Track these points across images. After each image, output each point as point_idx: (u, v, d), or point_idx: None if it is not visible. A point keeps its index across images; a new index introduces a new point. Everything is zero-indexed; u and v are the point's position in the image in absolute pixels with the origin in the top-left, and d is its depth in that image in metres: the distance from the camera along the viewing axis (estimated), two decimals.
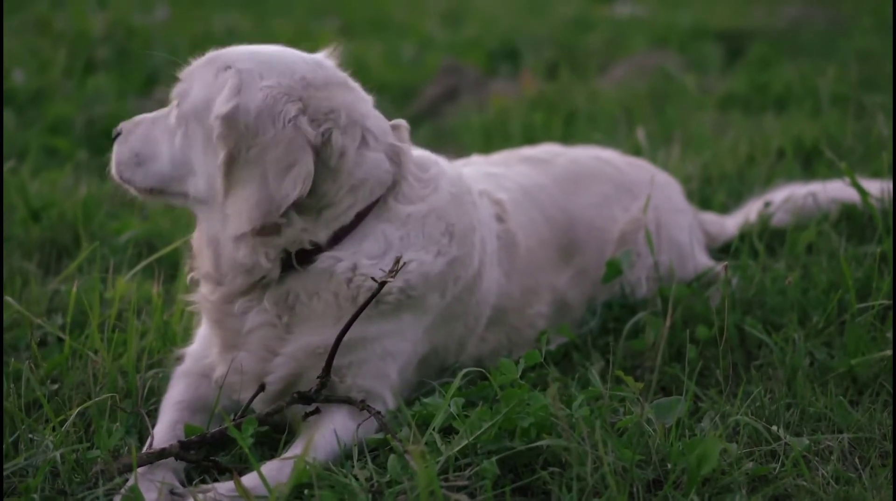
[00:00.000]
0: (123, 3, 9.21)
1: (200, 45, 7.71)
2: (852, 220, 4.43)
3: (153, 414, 3.33)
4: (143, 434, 3.27)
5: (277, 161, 3.07)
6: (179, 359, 3.45)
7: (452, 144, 6.13)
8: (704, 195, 4.81)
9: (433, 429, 3.01)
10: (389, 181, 3.26)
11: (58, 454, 3.06)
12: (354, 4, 10.38)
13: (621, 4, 10.42)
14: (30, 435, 3.22)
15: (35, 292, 4.14)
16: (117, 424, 3.26)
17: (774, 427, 3.20)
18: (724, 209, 4.73)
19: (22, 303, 3.91)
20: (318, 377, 3.12)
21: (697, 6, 10.00)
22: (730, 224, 4.50)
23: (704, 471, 2.90)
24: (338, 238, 3.21)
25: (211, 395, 3.29)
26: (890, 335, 3.64)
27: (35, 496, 2.91)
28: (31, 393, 3.42)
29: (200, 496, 2.84)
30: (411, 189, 3.30)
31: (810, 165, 5.33)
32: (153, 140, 3.30)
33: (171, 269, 4.22)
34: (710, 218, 4.48)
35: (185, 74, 3.30)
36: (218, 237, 3.24)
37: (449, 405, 3.08)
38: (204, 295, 3.31)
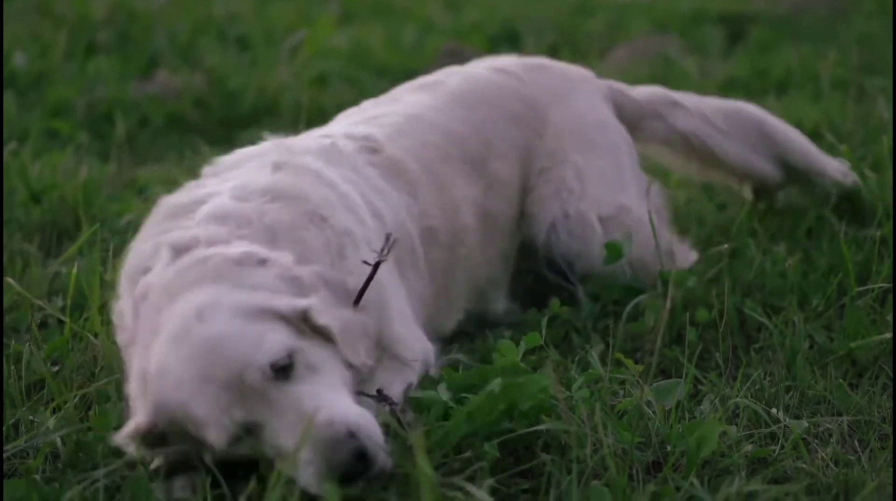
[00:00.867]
0: None
1: (201, 30, 7.76)
2: (851, 203, 4.43)
3: None
4: None
5: None
6: None
7: None
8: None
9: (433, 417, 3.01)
10: None
11: (58, 436, 3.07)
12: None
13: None
14: (31, 417, 3.23)
15: (35, 275, 4.15)
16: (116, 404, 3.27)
17: (774, 410, 3.21)
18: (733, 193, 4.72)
19: (22, 285, 3.91)
20: None
21: None
22: None
23: (704, 454, 2.90)
24: None
25: None
26: (890, 318, 3.64)
27: (36, 476, 2.91)
28: (32, 375, 3.42)
29: None
30: None
31: None
32: None
33: None
34: None
35: None
36: None
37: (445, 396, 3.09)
38: None
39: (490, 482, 2.81)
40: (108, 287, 3.86)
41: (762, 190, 4.53)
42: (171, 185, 5.08)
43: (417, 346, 3.35)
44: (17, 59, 7.21)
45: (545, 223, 3.95)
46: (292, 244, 3.11)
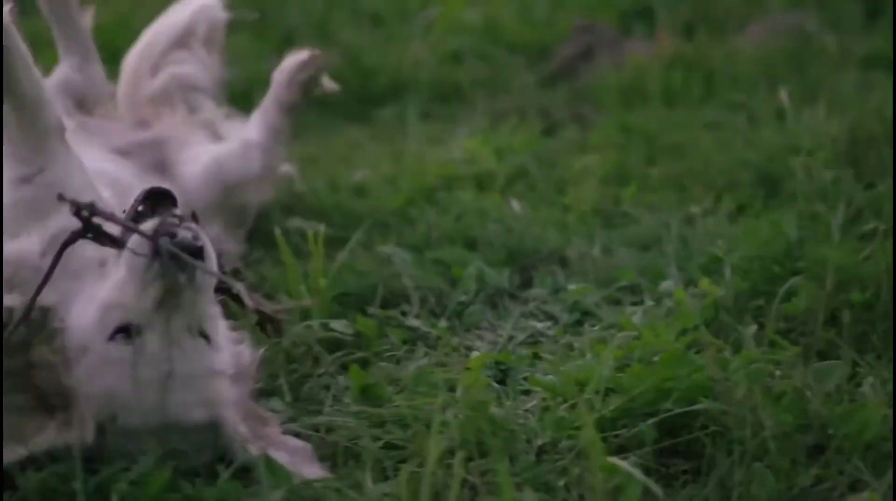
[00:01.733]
0: None
1: (336, 5, 7.78)
2: None
3: None
4: None
5: None
6: None
7: (589, 105, 6.10)
8: (854, 157, 4.72)
9: (591, 392, 3.02)
10: None
11: None
12: None
13: None
14: None
15: None
16: None
17: None
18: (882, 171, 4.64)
19: None
20: None
21: None
22: None
23: (867, 437, 2.87)
24: None
25: None
26: None
27: None
28: None
29: None
30: None
31: None
32: None
33: None
34: None
35: None
36: None
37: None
38: None
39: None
40: None
41: None
42: (312, 162, 5.16)
43: None
44: None
45: None
46: None
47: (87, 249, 2.85)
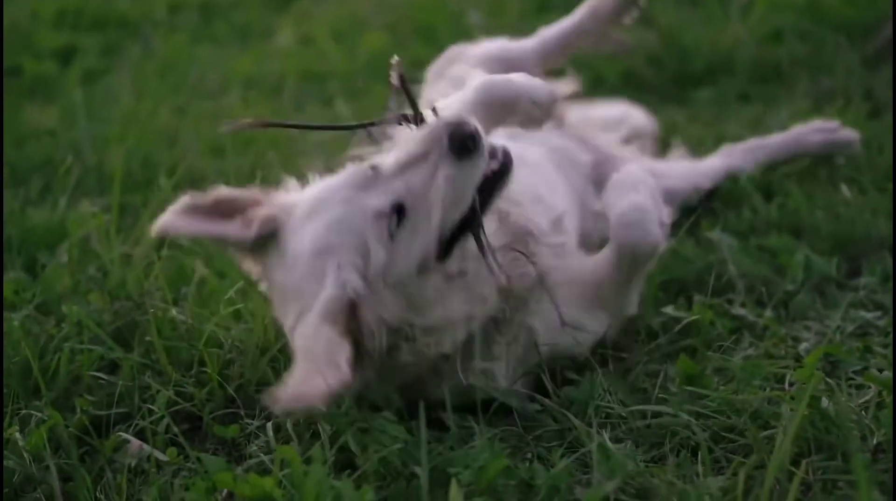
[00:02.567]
0: None
1: None
2: None
3: None
4: None
5: None
6: None
7: None
8: None
9: None
10: None
11: None
12: None
13: None
14: None
15: None
16: None
17: None
18: None
19: None
20: None
21: None
22: None
23: None
24: None
25: None
26: None
27: None
28: None
29: None
30: None
31: None
32: None
33: None
34: None
35: None
36: None
37: None
38: None
39: None
40: None
41: None
42: None
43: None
44: (472, 18, 7.47)
45: None
46: None
47: None
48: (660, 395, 3.28)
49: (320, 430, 3.01)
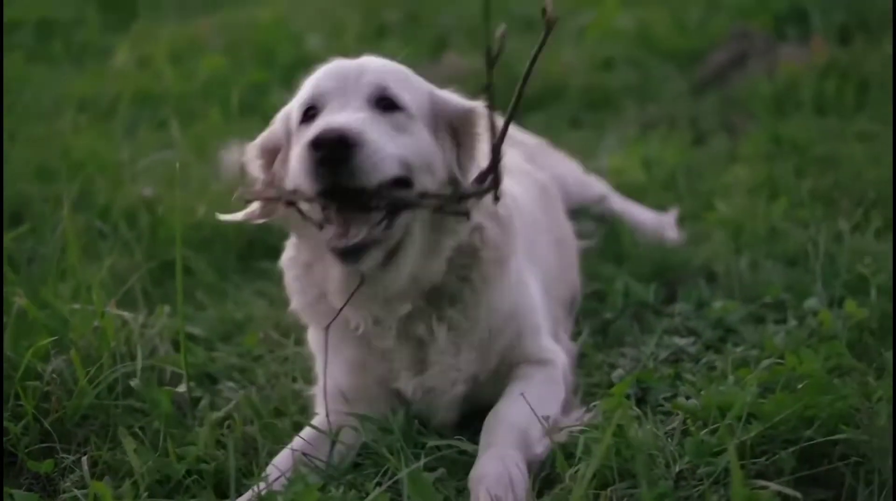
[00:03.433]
0: None
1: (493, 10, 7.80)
2: None
3: None
4: None
5: None
6: None
7: (740, 113, 6.07)
8: None
9: (733, 417, 3.04)
10: None
11: None
12: None
13: None
14: None
15: None
16: None
17: None
18: None
19: None
20: None
21: None
22: None
23: None
24: None
25: None
26: None
27: None
28: None
29: None
30: None
31: None
32: None
33: None
34: None
35: None
36: None
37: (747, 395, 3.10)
38: None
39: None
40: None
41: None
42: None
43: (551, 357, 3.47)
44: (312, 42, 7.50)
45: None
46: None
47: None
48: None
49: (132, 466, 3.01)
